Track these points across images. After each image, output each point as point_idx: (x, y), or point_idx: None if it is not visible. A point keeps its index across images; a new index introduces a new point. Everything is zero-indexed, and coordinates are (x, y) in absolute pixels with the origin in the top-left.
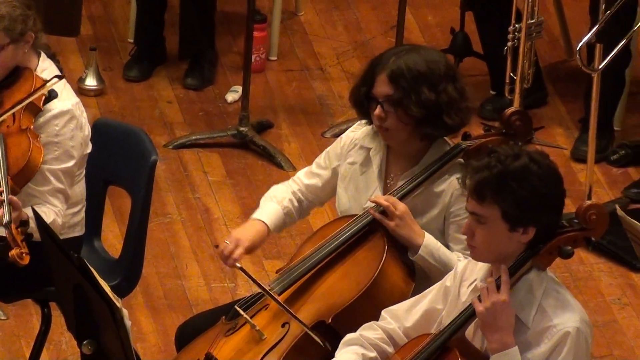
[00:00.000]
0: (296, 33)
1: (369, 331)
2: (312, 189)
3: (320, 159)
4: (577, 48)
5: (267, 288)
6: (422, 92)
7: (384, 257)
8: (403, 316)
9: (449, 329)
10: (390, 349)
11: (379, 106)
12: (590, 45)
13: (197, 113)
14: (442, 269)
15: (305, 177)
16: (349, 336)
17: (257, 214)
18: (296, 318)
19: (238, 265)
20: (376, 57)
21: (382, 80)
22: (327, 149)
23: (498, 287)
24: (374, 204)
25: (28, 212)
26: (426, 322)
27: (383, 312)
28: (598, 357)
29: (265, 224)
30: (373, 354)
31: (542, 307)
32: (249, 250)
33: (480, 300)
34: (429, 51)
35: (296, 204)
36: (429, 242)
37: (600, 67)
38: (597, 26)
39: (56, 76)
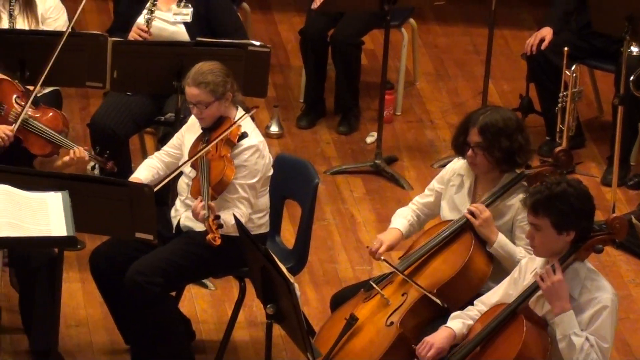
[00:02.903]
0: (414, 96)
1: (470, 310)
2: (427, 205)
3: (431, 184)
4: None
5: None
6: (501, 141)
7: (472, 248)
8: (488, 303)
9: (517, 300)
10: None
11: (471, 150)
12: (614, 106)
13: (347, 150)
14: (509, 258)
15: (420, 199)
16: (454, 313)
17: (393, 225)
18: (423, 289)
19: (382, 258)
20: (469, 115)
21: (474, 132)
22: (436, 177)
23: (554, 272)
24: (469, 211)
25: (225, 216)
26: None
27: (475, 302)
28: (618, 318)
29: (401, 231)
30: (471, 322)
31: (585, 286)
32: (389, 249)
33: (543, 280)
34: (505, 111)
35: (416, 218)
36: (501, 239)
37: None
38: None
39: (245, 110)
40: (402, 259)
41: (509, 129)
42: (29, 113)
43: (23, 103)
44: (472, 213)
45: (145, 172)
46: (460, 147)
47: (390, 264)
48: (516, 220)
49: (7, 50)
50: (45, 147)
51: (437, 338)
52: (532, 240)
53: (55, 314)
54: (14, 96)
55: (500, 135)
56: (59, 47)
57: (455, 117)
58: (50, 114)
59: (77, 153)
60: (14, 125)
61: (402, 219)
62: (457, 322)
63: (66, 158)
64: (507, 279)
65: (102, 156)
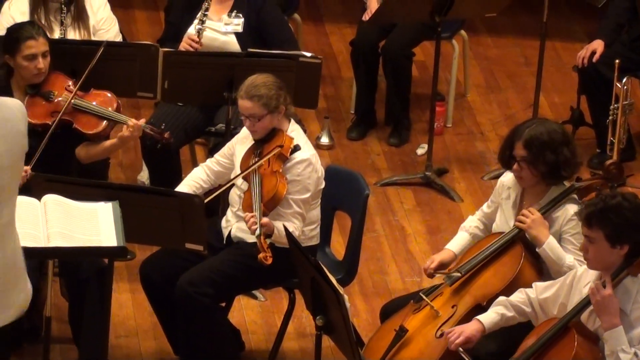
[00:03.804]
0: (464, 108)
1: (517, 295)
2: (487, 216)
3: (492, 196)
4: None
5: (446, 279)
6: (546, 155)
7: (522, 260)
8: (541, 291)
9: (570, 314)
10: (528, 309)
11: (516, 163)
12: None
13: (397, 162)
14: (557, 262)
15: (485, 208)
16: (499, 299)
17: (450, 244)
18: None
19: (434, 273)
20: (515, 128)
21: (519, 146)
22: (493, 191)
23: (604, 287)
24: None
25: (277, 225)
26: (552, 302)
27: (533, 284)
28: None
29: (454, 252)
30: (511, 314)
31: (637, 301)
32: (440, 267)
33: (594, 294)
34: (551, 123)
35: (482, 226)
36: (551, 241)
37: None
38: None
39: (298, 122)
40: (454, 270)
41: (555, 142)
42: (79, 95)
43: (74, 91)
44: (521, 219)
45: (186, 189)
46: (506, 161)
47: (441, 273)
48: (563, 232)
49: (59, 60)
50: (98, 124)
51: (468, 328)
52: (586, 253)
53: (105, 325)
54: (64, 85)
55: (545, 149)
56: (98, 55)
57: (506, 129)
58: (100, 94)
59: (132, 123)
60: (61, 111)
61: (464, 232)
62: (491, 314)
63: (122, 132)
64: (562, 279)
65: (158, 128)
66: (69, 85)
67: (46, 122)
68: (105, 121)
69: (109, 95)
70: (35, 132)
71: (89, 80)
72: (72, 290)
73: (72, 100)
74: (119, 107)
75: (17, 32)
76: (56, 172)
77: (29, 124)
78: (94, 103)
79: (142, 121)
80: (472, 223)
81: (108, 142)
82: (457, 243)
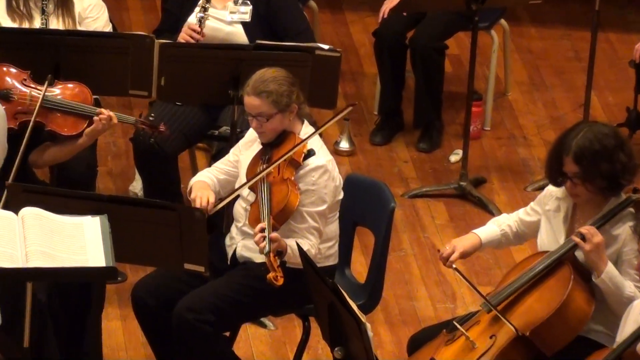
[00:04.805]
0: (505, 109)
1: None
2: (526, 223)
3: (534, 203)
4: None
5: (484, 306)
6: (601, 166)
7: (571, 284)
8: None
9: (622, 345)
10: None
11: (569, 181)
12: None
13: (427, 170)
14: (616, 292)
15: (523, 215)
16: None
17: (477, 229)
18: (506, 320)
19: (453, 266)
20: (559, 141)
21: (569, 161)
22: (538, 198)
23: None
24: (578, 234)
25: (290, 243)
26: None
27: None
28: None
29: (480, 237)
30: (507, 230)
31: None
32: (463, 256)
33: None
34: (599, 126)
35: (514, 229)
36: (610, 269)
37: None
38: None
39: (312, 124)
40: (492, 295)
41: (608, 149)
42: (50, 93)
43: (33, 85)
44: (582, 236)
45: (206, 179)
46: (556, 179)
47: (461, 275)
48: (622, 253)
49: (39, 53)
50: (78, 124)
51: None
52: None
53: (95, 356)
54: (21, 80)
55: (599, 160)
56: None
57: (553, 132)
58: (72, 87)
59: (105, 115)
60: (35, 109)
61: (494, 225)
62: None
63: (93, 126)
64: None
65: (149, 120)
66: (25, 80)
67: (11, 127)
68: (85, 120)
69: (80, 85)
70: None
71: (55, 73)
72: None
73: (43, 97)
74: (91, 94)
75: None
76: (29, 182)
77: None
78: (67, 99)
79: (112, 112)
80: (506, 221)
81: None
82: (485, 231)
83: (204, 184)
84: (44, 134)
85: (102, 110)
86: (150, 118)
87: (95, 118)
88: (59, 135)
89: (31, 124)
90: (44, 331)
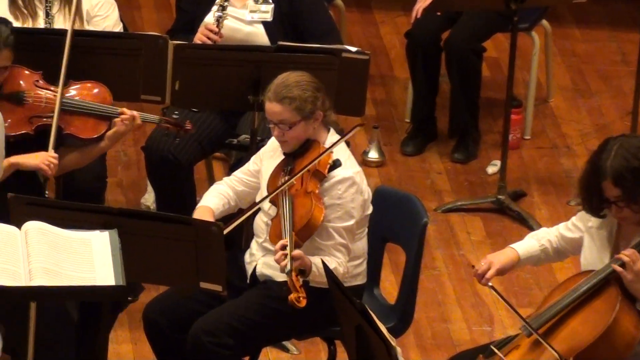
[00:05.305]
0: (547, 116)
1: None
2: (566, 239)
3: (575, 219)
4: None
5: (524, 329)
6: None
7: (617, 307)
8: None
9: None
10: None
11: (613, 206)
12: None
13: (462, 182)
14: None
15: (563, 230)
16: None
17: (514, 244)
18: (548, 345)
19: (490, 284)
20: (593, 167)
21: (609, 186)
22: (580, 213)
23: None
24: (618, 260)
25: (315, 260)
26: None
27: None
28: None
29: (518, 253)
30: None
31: None
32: (500, 273)
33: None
34: (630, 140)
35: (554, 245)
36: None
37: None
38: None
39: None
40: (533, 318)
41: None
42: (66, 94)
43: (46, 86)
44: (622, 263)
45: (215, 199)
46: (597, 208)
47: (498, 294)
48: None
49: (43, 55)
50: (99, 126)
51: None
52: None
53: None
54: (33, 81)
55: None
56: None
57: (598, 142)
58: (90, 86)
59: (127, 115)
60: (54, 112)
61: (534, 240)
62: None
63: (116, 128)
64: None
65: (173, 118)
66: (37, 81)
67: (26, 132)
68: (106, 121)
69: (98, 84)
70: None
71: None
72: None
73: (60, 100)
74: (112, 100)
75: None
76: (32, 194)
77: None
78: (85, 99)
79: (135, 112)
80: (546, 236)
81: (105, 142)
82: (523, 246)
83: (205, 211)
84: (60, 138)
85: (125, 109)
86: (174, 116)
87: (117, 119)
88: (77, 139)
89: (53, 128)
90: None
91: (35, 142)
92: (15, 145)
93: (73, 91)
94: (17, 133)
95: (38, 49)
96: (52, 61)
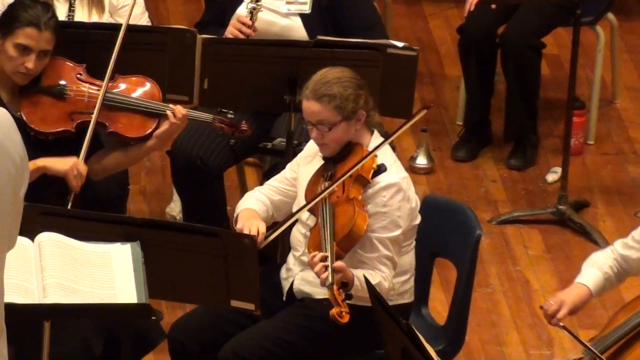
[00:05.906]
0: (612, 119)
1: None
2: (627, 260)
3: (636, 233)
4: None
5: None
6: None
7: None
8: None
9: None
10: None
11: None
12: None
13: (520, 191)
14: None
15: (621, 248)
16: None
17: (580, 278)
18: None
19: (561, 324)
20: None
21: None
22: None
23: None
24: None
25: (357, 273)
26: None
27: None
28: None
29: (589, 288)
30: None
31: None
32: (572, 312)
33: None
34: None
35: (615, 270)
36: None
37: None
38: None
39: (384, 135)
40: (596, 341)
41: None
42: (111, 89)
43: (90, 80)
44: None
45: (255, 205)
46: None
47: (573, 335)
48: None
49: (64, 49)
50: (147, 123)
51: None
52: None
53: None
54: (75, 74)
55: None
56: (119, 41)
57: None
58: (137, 81)
59: (179, 113)
60: (95, 108)
61: (595, 269)
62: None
63: (165, 127)
64: None
65: (228, 118)
66: (79, 74)
67: (66, 129)
68: (155, 118)
69: (147, 81)
70: (42, 146)
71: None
72: None
73: (104, 94)
74: (161, 97)
75: (20, 11)
76: (54, 202)
77: (35, 135)
78: (133, 95)
79: (183, 109)
80: (606, 261)
81: (152, 141)
82: (590, 279)
83: (252, 213)
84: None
85: (175, 107)
86: (230, 115)
87: (169, 116)
88: (123, 138)
89: (90, 130)
90: None
91: (74, 142)
92: (54, 145)
93: (120, 85)
94: (57, 130)
95: (79, 42)
96: (90, 55)
